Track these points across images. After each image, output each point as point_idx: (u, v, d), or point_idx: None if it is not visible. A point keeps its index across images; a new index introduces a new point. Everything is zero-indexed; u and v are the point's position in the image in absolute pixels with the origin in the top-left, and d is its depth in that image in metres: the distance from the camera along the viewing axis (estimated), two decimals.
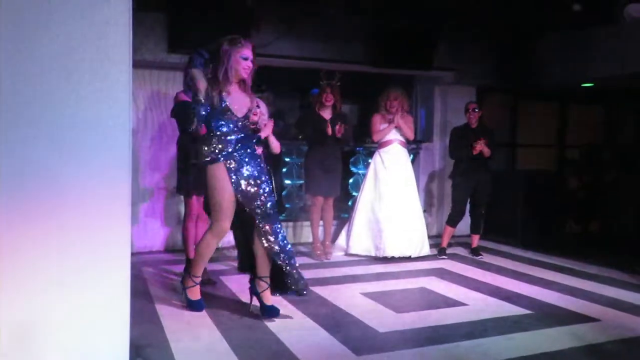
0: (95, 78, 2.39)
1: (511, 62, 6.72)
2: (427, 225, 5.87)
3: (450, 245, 5.81)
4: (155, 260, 5.21)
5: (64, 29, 2.32)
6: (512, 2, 5.69)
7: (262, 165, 3.57)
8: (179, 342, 3.03)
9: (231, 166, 3.39)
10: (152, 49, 5.43)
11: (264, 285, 3.51)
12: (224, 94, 3.40)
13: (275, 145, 4.80)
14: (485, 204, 5.71)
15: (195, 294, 3.61)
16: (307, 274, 4.69)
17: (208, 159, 3.40)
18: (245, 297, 3.94)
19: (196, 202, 4.25)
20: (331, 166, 5.29)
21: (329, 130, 5.16)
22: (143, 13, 5.13)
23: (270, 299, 3.51)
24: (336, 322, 3.44)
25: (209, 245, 3.53)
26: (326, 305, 3.81)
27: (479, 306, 3.84)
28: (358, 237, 5.47)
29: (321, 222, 5.56)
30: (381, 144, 5.52)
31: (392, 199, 5.37)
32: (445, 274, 4.86)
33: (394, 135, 5.49)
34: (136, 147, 5.40)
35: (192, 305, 3.58)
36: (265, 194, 3.46)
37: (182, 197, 4.50)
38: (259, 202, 3.42)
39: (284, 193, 6.53)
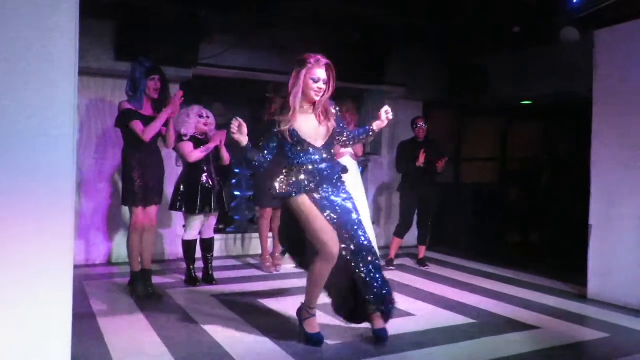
0: (40, 85, 2.30)
1: (458, 79, 6.97)
2: (376, 236, 5.95)
3: (397, 256, 5.92)
4: (98, 274, 5.03)
5: (8, 34, 2.23)
6: (459, 23, 5.91)
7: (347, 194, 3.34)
8: (122, 359, 2.93)
9: (317, 197, 3.21)
10: (98, 56, 5.29)
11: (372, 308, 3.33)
12: (293, 124, 3.18)
13: (226, 157, 4.78)
14: (432, 216, 5.86)
15: (312, 326, 3.28)
16: (255, 286, 4.71)
17: (288, 191, 3.20)
18: (191, 310, 3.88)
19: (142, 213, 4.15)
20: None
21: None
22: (90, 20, 4.99)
23: (382, 324, 3.33)
24: (285, 334, 3.42)
25: (322, 273, 3.20)
26: (275, 317, 3.79)
27: (427, 316, 3.92)
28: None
29: (270, 234, 5.54)
30: (339, 153, 5.56)
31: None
32: (392, 284, 4.91)
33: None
34: (79, 156, 5.22)
35: (311, 340, 3.23)
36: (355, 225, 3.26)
37: (127, 209, 4.37)
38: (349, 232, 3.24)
39: (232, 204, 6.47)
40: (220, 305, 4.06)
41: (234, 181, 6.65)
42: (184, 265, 4.88)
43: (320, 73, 3.19)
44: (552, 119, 8.62)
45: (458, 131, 8.17)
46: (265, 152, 3.30)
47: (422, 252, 5.92)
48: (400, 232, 5.81)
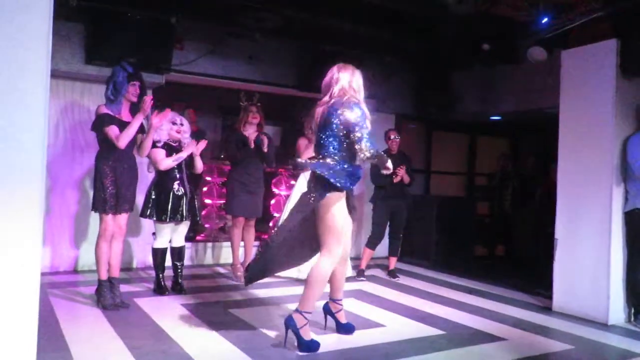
0: (8, 88, 2.25)
1: (428, 94, 7.10)
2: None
3: (368, 267, 5.94)
4: (63, 282, 4.89)
5: None
6: (431, 39, 6.03)
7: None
8: None
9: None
10: (67, 59, 5.19)
11: (338, 307, 3.69)
12: None
13: (200, 166, 4.74)
14: (403, 228, 5.92)
15: (308, 333, 3.34)
16: (226, 296, 4.67)
17: (342, 185, 3.32)
18: (160, 320, 3.81)
19: (112, 220, 4.06)
20: (253, 187, 5.27)
21: (252, 143, 5.15)
22: (59, 22, 4.90)
23: (345, 318, 3.71)
24: (256, 345, 3.40)
25: (327, 273, 3.41)
26: (246, 328, 3.76)
27: (396, 327, 3.95)
28: None
29: (241, 243, 5.49)
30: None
31: None
32: (363, 295, 4.95)
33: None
34: (47, 160, 5.09)
35: (311, 347, 3.28)
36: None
37: (95, 215, 4.27)
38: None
39: (203, 213, 6.40)
40: (190, 315, 4.00)
41: (205, 189, 6.59)
42: (152, 273, 4.80)
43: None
44: (520, 135, 8.86)
45: (428, 144, 8.30)
46: None
47: (393, 263, 5.97)
48: (372, 243, 5.85)
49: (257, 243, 5.85)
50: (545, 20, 4.96)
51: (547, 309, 4.65)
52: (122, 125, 4.02)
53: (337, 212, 3.36)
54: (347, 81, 3.43)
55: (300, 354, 3.28)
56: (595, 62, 4.43)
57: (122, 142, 3.95)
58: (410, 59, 6.78)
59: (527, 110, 6.59)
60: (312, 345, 3.30)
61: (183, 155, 4.50)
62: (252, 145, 5.16)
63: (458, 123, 8.04)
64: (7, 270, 2.19)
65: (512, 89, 6.65)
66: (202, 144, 4.65)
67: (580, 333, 3.99)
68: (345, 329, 3.69)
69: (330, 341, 3.53)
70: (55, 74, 5.05)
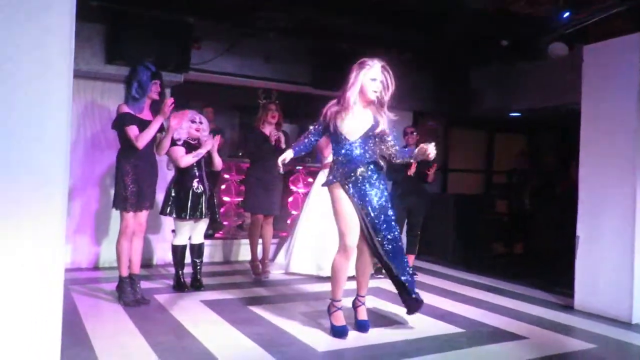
0: (33, 88, 2.29)
1: (446, 90, 7.05)
2: None
3: None
4: (85, 278, 4.97)
5: (0, 36, 2.21)
6: (449, 35, 5.98)
7: (382, 192, 3.56)
8: None
9: (350, 190, 3.47)
10: (88, 59, 5.26)
11: (358, 302, 3.73)
12: (339, 119, 3.45)
13: (218, 163, 4.77)
14: (421, 226, 5.89)
15: (338, 319, 3.53)
16: (245, 292, 4.69)
17: (327, 180, 3.53)
18: (180, 316, 3.85)
19: (132, 218, 4.11)
20: (272, 184, 5.29)
21: (273, 140, 5.17)
22: (80, 23, 4.93)
23: (364, 315, 3.71)
24: (274, 341, 3.41)
25: (339, 266, 3.51)
26: (265, 325, 3.77)
27: (415, 325, 3.93)
28: (299, 256, 5.48)
29: (260, 240, 5.52)
30: (325, 164, 5.59)
31: None
32: (381, 293, 4.94)
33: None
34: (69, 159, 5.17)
35: (336, 332, 3.49)
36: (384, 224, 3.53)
37: (116, 213, 4.33)
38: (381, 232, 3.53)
39: (221, 210, 6.44)
40: (209, 312, 4.03)
41: (223, 187, 6.63)
42: (172, 270, 4.85)
43: (378, 74, 3.46)
44: (539, 132, 8.76)
45: (445, 142, 8.24)
46: (311, 136, 3.65)
47: (411, 260, 5.92)
48: None
49: (275, 240, 5.88)
50: (565, 15, 4.89)
51: (569, 307, 4.59)
52: (143, 124, 4.06)
53: (339, 202, 3.47)
54: None
55: (320, 350, 3.29)
56: (618, 56, 4.35)
57: (141, 142, 3.99)
58: (428, 56, 6.74)
59: (547, 107, 6.51)
60: (339, 331, 3.49)
61: (202, 151, 4.54)
62: (273, 142, 5.19)
63: (476, 120, 7.97)
64: (32, 267, 2.23)
65: (532, 86, 6.56)
66: (217, 140, 4.67)
67: (603, 332, 3.94)
68: (358, 325, 3.68)
69: (349, 338, 3.53)
70: (76, 74, 5.05)
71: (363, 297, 3.76)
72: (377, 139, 3.54)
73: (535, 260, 7.11)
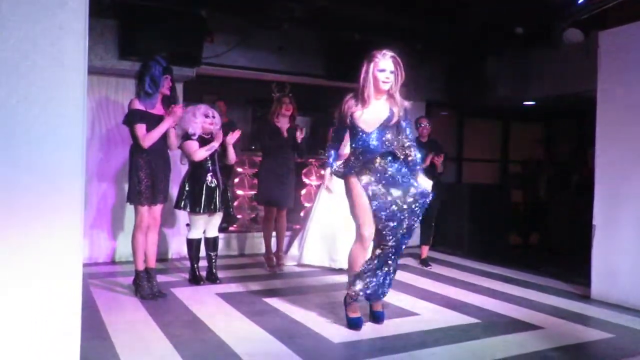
0: (48, 85, 2.31)
1: (459, 80, 6.98)
2: None
3: (400, 256, 5.90)
4: (102, 273, 5.03)
5: (15, 33, 2.23)
6: (462, 24, 5.92)
7: (405, 183, 3.50)
8: (129, 357, 2.94)
9: (363, 180, 3.48)
10: (101, 55, 5.30)
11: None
12: (356, 113, 3.49)
13: (232, 157, 4.80)
14: (435, 217, 5.86)
15: (353, 310, 3.58)
16: (260, 285, 4.72)
17: (343, 172, 3.59)
18: (196, 309, 3.89)
19: (147, 212, 4.15)
20: (285, 177, 5.30)
21: (285, 133, 5.18)
22: (93, 19, 4.97)
23: (380, 306, 3.71)
24: (290, 333, 3.44)
25: (355, 256, 3.54)
26: (280, 317, 3.80)
27: (430, 316, 3.93)
28: (312, 248, 5.50)
29: (274, 233, 5.54)
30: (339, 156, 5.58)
31: (347, 210, 5.43)
32: (396, 284, 4.89)
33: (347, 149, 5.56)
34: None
35: (350, 323, 3.55)
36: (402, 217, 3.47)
37: (131, 207, 4.37)
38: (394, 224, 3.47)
39: (235, 203, 6.48)
40: (225, 304, 4.06)
41: (236, 180, 6.66)
42: (187, 264, 4.89)
43: (387, 65, 3.44)
44: (554, 120, 8.66)
45: (460, 131, 8.19)
46: (335, 141, 3.81)
47: (425, 252, 5.93)
48: None
49: (288, 233, 5.90)
50: (580, 0, 4.81)
51: (585, 297, 4.55)
52: (155, 120, 4.09)
53: (355, 192, 3.50)
54: None
55: (336, 341, 3.30)
56: (635, 42, 4.27)
57: (147, 142, 4.02)
58: (441, 45, 6.67)
59: (562, 95, 6.42)
60: (353, 323, 3.53)
61: (215, 145, 4.56)
62: (286, 135, 5.19)
63: (490, 109, 7.90)
64: (51, 262, 2.26)
65: (547, 73, 6.48)
66: (236, 134, 4.69)
67: (621, 321, 3.90)
68: (373, 316, 3.69)
69: (364, 329, 3.54)
70: (90, 70, 5.06)
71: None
72: (394, 130, 3.54)
73: (551, 250, 7.05)
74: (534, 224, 7.90)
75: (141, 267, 4.22)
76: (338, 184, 5.55)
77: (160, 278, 4.54)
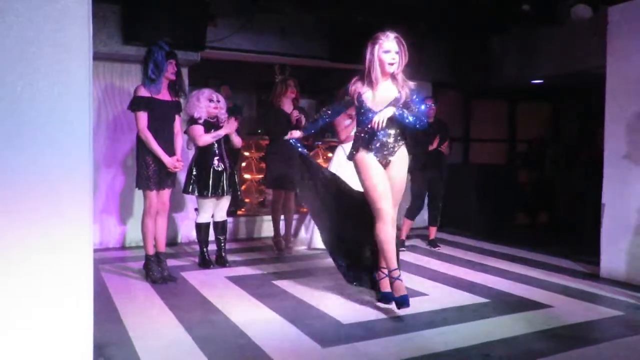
0: (53, 71, 2.30)
1: (465, 59, 6.90)
2: None
3: (408, 237, 5.93)
4: (112, 258, 5.08)
5: (19, 19, 2.23)
6: (466, 1, 5.84)
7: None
8: (142, 340, 2.98)
9: (378, 158, 3.52)
10: (105, 40, 5.28)
11: (380, 275, 3.66)
12: (364, 94, 3.50)
13: (237, 142, 4.80)
14: (442, 197, 5.86)
15: (384, 286, 3.62)
16: (269, 268, 4.75)
17: (350, 153, 3.60)
18: (206, 292, 3.92)
19: (155, 197, 4.17)
20: (292, 160, 5.28)
21: (294, 121, 5.16)
22: (96, 4, 4.94)
23: (388, 287, 3.59)
24: (300, 314, 3.46)
25: (379, 234, 3.48)
26: (289, 299, 3.83)
27: (439, 296, 3.95)
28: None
29: (282, 216, 5.56)
30: (344, 139, 5.58)
31: None
32: (404, 265, 4.92)
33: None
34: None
35: (381, 297, 3.62)
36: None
37: (140, 193, 4.40)
38: None
39: (242, 187, 6.50)
40: (234, 287, 4.10)
41: (243, 164, 6.67)
42: (197, 247, 4.93)
43: (391, 45, 3.43)
44: (562, 99, 8.56)
45: (466, 112, 8.12)
46: (329, 111, 3.80)
47: (433, 233, 5.94)
48: (412, 213, 5.82)
49: (296, 216, 5.92)
50: None
51: (594, 276, 4.56)
52: (161, 106, 4.08)
53: (367, 168, 3.51)
54: None
55: (345, 322, 3.33)
56: None
57: (143, 134, 4.05)
58: (445, 24, 6.59)
59: (570, 73, 6.33)
60: (384, 296, 3.58)
61: (221, 133, 4.56)
62: (294, 123, 5.16)
63: (497, 89, 7.82)
64: (63, 248, 2.28)
65: (554, 51, 6.38)
66: (232, 124, 4.62)
67: (630, 299, 3.90)
68: (383, 297, 3.61)
69: (371, 311, 3.57)
70: (94, 56, 5.08)
71: (385, 268, 3.62)
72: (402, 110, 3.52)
73: (559, 230, 7.04)
74: (541, 203, 7.87)
75: (151, 251, 4.25)
76: (348, 166, 5.58)
77: (170, 262, 4.58)
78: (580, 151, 7.28)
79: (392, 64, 3.44)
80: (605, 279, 4.44)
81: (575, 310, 3.66)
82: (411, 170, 5.83)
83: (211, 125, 4.59)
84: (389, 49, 3.42)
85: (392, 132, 3.51)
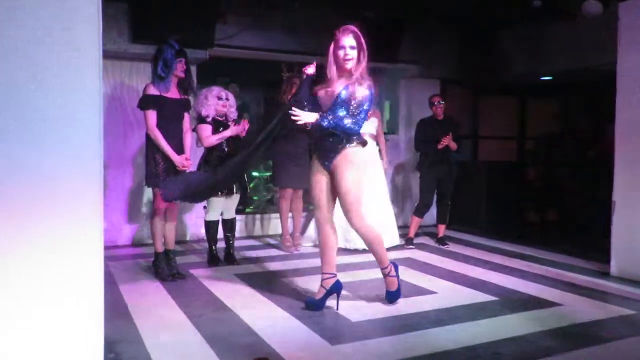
0: (63, 69, 2.31)
1: (473, 56, 6.86)
2: (394, 215, 5.94)
3: (417, 235, 5.92)
4: (122, 255, 5.12)
5: (30, 17, 2.24)
6: None
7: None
8: (152, 337, 3.00)
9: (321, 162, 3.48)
10: (114, 39, 5.31)
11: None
12: (320, 94, 3.44)
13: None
14: (451, 195, 5.84)
15: (390, 284, 3.65)
16: (277, 265, 4.76)
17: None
18: (215, 289, 3.94)
19: None
20: (300, 158, 5.29)
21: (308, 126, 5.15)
22: (105, 3, 4.96)
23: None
24: (309, 312, 3.47)
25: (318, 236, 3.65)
26: (298, 296, 3.83)
27: (448, 294, 3.94)
28: None
29: (290, 214, 5.56)
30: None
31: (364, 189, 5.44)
32: (413, 263, 4.95)
33: (364, 127, 5.54)
34: None
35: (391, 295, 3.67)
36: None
37: (149, 191, 4.42)
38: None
39: (251, 185, 6.51)
40: (243, 285, 4.11)
41: None
42: (206, 245, 4.94)
43: (346, 41, 3.33)
44: (572, 95, 8.50)
45: (475, 109, 8.08)
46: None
47: (442, 230, 5.92)
48: (420, 211, 5.81)
49: (304, 214, 5.92)
50: None
51: (605, 274, 4.52)
52: (169, 104, 4.10)
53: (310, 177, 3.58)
54: None
55: (354, 320, 3.33)
56: None
57: (152, 132, 4.06)
58: (453, 20, 6.56)
59: (580, 69, 6.28)
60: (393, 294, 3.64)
61: (226, 134, 4.55)
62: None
63: (506, 85, 7.77)
64: (73, 245, 2.30)
65: (564, 47, 6.32)
66: (244, 126, 4.62)
67: None
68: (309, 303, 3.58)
69: (380, 308, 3.57)
70: (104, 54, 5.05)
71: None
72: (349, 108, 3.36)
73: (569, 228, 6.99)
74: (550, 201, 7.82)
75: (160, 249, 4.27)
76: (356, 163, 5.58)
77: (180, 260, 4.60)
78: (591, 148, 7.22)
79: (346, 60, 3.32)
80: (615, 277, 4.41)
81: (585, 308, 3.64)
82: (419, 167, 5.86)
83: (220, 123, 4.60)
84: (343, 45, 3.32)
85: (331, 136, 3.38)
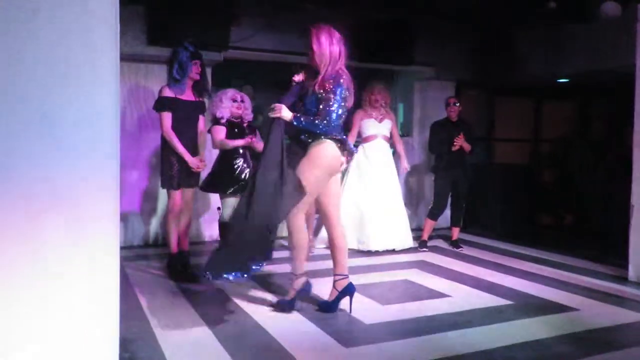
0: (82, 71, 2.34)
1: (489, 58, 6.82)
2: (408, 218, 5.92)
3: (430, 237, 5.88)
4: (137, 256, 5.15)
5: (50, 20, 2.27)
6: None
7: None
8: (167, 337, 3.02)
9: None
10: (130, 41, 5.35)
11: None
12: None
13: (260, 146, 4.78)
14: (465, 197, 5.80)
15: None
16: (290, 267, 4.73)
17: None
18: (229, 290, 3.95)
19: (179, 196, 4.21)
20: None
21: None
22: (121, 5, 5.00)
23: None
24: (323, 314, 3.47)
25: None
26: (312, 298, 3.82)
27: (462, 297, 3.91)
28: None
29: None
30: (365, 138, 5.59)
31: (376, 192, 5.43)
32: (427, 266, 4.93)
33: (377, 129, 5.56)
34: None
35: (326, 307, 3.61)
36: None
37: (164, 192, 4.44)
38: None
39: None
40: (258, 286, 4.12)
41: None
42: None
43: (308, 41, 3.42)
44: (589, 98, 8.40)
45: (491, 111, 8.03)
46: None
47: (456, 233, 5.88)
48: (434, 214, 5.78)
49: (317, 215, 5.91)
50: None
51: (622, 279, 4.45)
52: (185, 106, 4.12)
53: None
54: None
55: (367, 322, 3.32)
56: None
57: (166, 134, 4.09)
58: (469, 21, 6.52)
59: (598, 71, 6.20)
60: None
61: (239, 143, 4.53)
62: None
63: (522, 87, 7.71)
64: (90, 245, 2.32)
65: (581, 49, 6.25)
66: (250, 141, 4.61)
67: None
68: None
69: (394, 311, 3.56)
70: (120, 57, 5.21)
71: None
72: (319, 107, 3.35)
73: (585, 231, 6.90)
74: (566, 204, 7.73)
75: (175, 250, 4.30)
76: (366, 165, 5.57)
77: (193, 260, 4.61)
78: (608, 151, 7.13)
79: (310, 60, 3.40)
80: (633, 282, 4.35)
81: (601, 313, 3.59)
82: (434, 170, 5.83)
83: (235, 125, 4.61)
84: (308, 45, 3.40)
85: (303, 133, 3.43)
